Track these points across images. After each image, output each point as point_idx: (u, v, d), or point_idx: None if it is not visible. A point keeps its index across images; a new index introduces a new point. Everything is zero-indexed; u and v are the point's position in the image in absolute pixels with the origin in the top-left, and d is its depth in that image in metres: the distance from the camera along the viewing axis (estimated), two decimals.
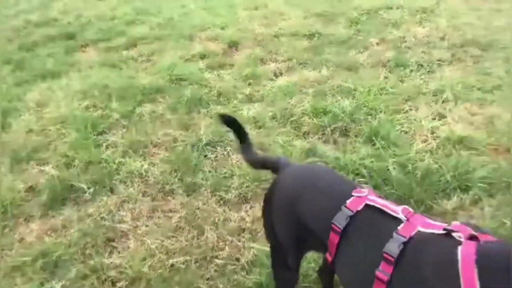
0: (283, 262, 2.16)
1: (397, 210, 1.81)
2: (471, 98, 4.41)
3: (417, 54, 5.61)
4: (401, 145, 3.71)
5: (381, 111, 4.28)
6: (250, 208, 3.30)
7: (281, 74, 5.61)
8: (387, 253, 1.68)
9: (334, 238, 1.87)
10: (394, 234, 1.69)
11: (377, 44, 6.11)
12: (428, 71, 5.16)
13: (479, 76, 4.80)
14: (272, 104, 4.74)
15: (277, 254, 2.20)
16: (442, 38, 5.90)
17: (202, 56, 6.27)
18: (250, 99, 4.95)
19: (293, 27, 7.05)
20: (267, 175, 3.53)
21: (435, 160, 3.48)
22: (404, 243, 1.67)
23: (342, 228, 1.83)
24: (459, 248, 1.58)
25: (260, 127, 4.33)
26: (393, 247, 1.67)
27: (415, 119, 4.14)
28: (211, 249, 2.97)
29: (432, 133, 3.89)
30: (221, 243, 3.00)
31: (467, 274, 1.52)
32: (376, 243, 1.73)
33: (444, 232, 1.67)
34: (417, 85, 4.82)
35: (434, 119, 4.13)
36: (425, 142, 3.79)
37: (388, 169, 3.41)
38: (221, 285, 2.68)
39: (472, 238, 1.62)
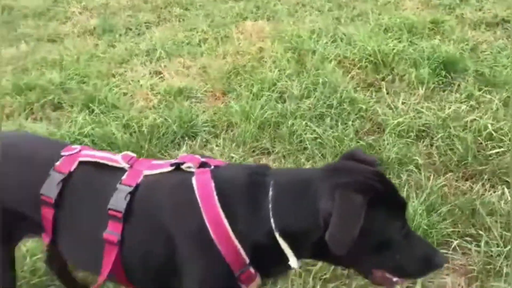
0: None
1: (117, 160, 1.55)
2: (182, 53, 4.44)
3: (124, 18, 5.39)
4: (122, 107, 3.46)
5: (95, 77, 3.92)
6: None
7: None
8: (112, 209, 1.43)
9: (47, 213, 1.50)
10: (118, 186, 1.45)
11: (80, 13, 5.64)
12: (138, 34, 5.01)
13: (186, 33, 4.89)
14: None
15: None
16: (146, 1, 5.82)
17: None
18: None
19: None
20: None
21: (159, 114, 3.35)
22: (131, 193, 1.44)
23: (54, 198, 1.49)
24: (193, 179, 1.43)
25: None
26: (118, 200, 1.43)
27: (132, 80, 3.94)
28: None
29: (152, 89, 3.76)
30: None
31: (207, 204, 1.37)
32: (100, 201, 1.45)
33: (172, 168, 1.50)
34: (129, 48, 4.61)
35: (152, 77, 4.01)
36: (146, 99, 3.63)
37: (113, 133, 3.12)
38: None
39: (202, 165, 1.50)
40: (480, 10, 5.02)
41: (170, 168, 1.48)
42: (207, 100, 3.64)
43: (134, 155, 1.57)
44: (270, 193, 1.35)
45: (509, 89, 3.37)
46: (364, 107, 3.26)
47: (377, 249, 1.34)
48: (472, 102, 3.30)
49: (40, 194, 1.48)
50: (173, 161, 1.51)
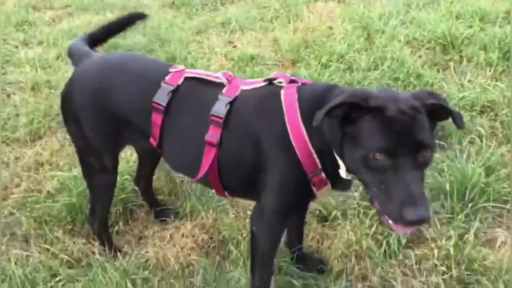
0: (99, 165, 1.94)
1: (218, 76, 1.76)
2: (255, 27, 4.67)
3: None
4: (199, 68, 3.73)
5: (175, 42, 4.22)
6: (46, 143, 2.92)
7: (60, 20, 5.10)
8: (214, 115, 1.65)
9: (157, 119, 1.74)
10: (220, 96, 1.67)
11: None
12: (214, 9, 5.30)
13: (259, 10, 5.11)
14: (54, 46, 4.28)
15: (88, 158, 1.96)
16: None
17: None
18: (25, 44, 4.40)
19: None
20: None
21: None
22: (230, 103, 1.65)
23: (165, 105, 1.72)
24: (281, 91, 1.63)
25: (44, 68, 3.85)
26: (219, 108, 1.65)
27: (208, 48, 4.21)
28: (4, 189, 2.53)
29: (226, 56, 4.00)
30: (16, 180, 2.59)
31: (290, 112, 1.57)
32: (203, 110, 1.68)
33: (265, 83, 1.70)
34: (205, 21, 4.90)
35: (226, 45, 4.26)
36: (220, 64, 3.88)
37: None
38: (23, 217, 2.31)
39: (292, 82, 1.69)
40: None
41: (264, 84, 1.69)
42: (277, 68, 3.85)
43: (231, 73, 1.77)
44: None
45: None
46: (430, 81, 3.35)
47: (365, 163, 1.37)
48: None
49: (152, 101, 1.72)
50: (267, 78, 1.72)
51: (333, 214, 2.28)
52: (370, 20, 4.38)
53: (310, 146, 1.54)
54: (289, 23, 4.70)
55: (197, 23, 4.83)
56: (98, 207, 2.09)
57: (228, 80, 1.72)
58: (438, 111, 1.42)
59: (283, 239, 2.09)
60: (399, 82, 3.37)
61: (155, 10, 5.31)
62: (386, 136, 1.34)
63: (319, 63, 3.68)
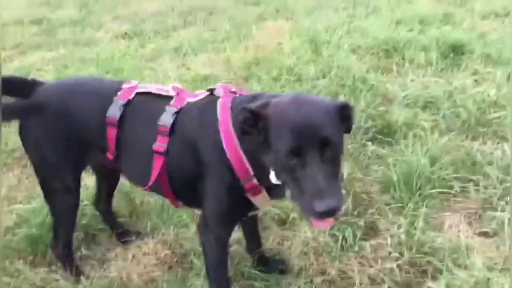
0: (62, 187, 1.98)
1: (168, 89, 1.84)
2: (207, 49, 4.80)
3: (152, 24, 5.82)
4: None
5: (129, 71, 4.28)
6: (3, 179, 2.91)
7: (11, 60, 5.11)
8: (161, 125, 1.73)
9: (111, 132, 1.82)
10: (167, 107, 1.74)
11: (112, 20, 6.11)
12: (166, 36, 5.42)
13: (210, 33, 5.27)
14: None
15: (51, 182, 2.00)
16: (172, 9, 6.25)
17: None
18: None
19: (17, 15, 6.47)
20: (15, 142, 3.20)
21: None
22: (176, 113, 1.73)
23: (117, 119, 1.79)
24: (218, 101, 1.71)
25: None
26: (166, 118, 1.73)
27: (161, 73, 4.29)
28: None
29: (179, 78, 4.09)
30: None
31: (223, 121, 1.65)
32: (152, 121, 1.75)
33: (208, 93, 1.78)
34: (158, 48, 5.00)
35: (178, 69, 4.36)
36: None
37: None
38: None
39: (232, 93, 1.76)
40: (490, 3, 5.25)
41: (206, 94, 1.78)
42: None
43: (180, 87, 1.85)
44: None
45: None
46: (375, 84, 3.52)
47: (278, 166, 1.47)
48: (477, 77, 3.52)
49: (106, 116, 1.79)
50: (209, 87, 1.80)
51: (291, 216, 2.36)
52: (316, 33, 4.56)
53: (242, 153, 1.61)
54: (240, 42, 4.84)
55: (150, 51, 4.93)
56: (62, 230, 2.11)
57: (176, 92, 1.80)
58: (346, 115, 1.50)
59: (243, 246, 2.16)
60: (346, 88, 3.52)
61: (107, 42, 5.40)
62: (290, 138, 1.40)
63: (270, 76, 3.81)
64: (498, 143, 2.76)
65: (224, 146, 1.62)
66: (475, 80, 3.52)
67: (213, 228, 1.76)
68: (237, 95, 1.75)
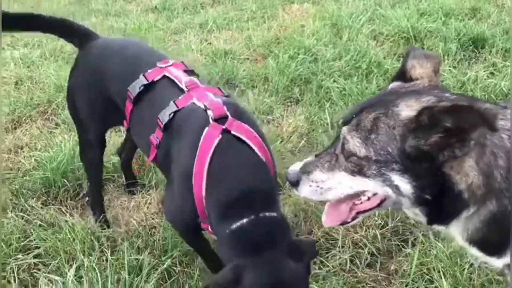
0: (88, 141, 2.15)
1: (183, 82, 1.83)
2: (231, 27, 4.91)
3: (182, 0, 5.96)
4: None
5: (154, 41, 4.44)
6: (26, 130, 3.12)
7: None
8: (159, 119, 1.78)
9: (128, 105, 1.91)
10: (171, 103, 1.79)
11: None
12: (194, 12, 5.55)
13: (237, 12, 5.36)
14: (39, 47, 4.53)
15: (82, 134, 2.18)
16: None
17: None
18: (12, 46, 4.64)
19: None
20: (40, 98, 3.40)
21: (207, 68, 3.80)
22: (175, 112, 1.77)
23: (134, 96, 1.87)
24: (206, 128, 1.68)
25: (28, 66, 4.08)
26: (165, 114, 1.77)
27: (184, 45, 4.43)
28: None
29: (201, 51, 4.23)
30: None
31: (200, 157, 1.65)
32: (158, 110, 1.81)
33: (203, 108, 1.74)
34: (184, 22, 5.14)
35: (201, 43, 4.49)
36: (196, 60, 4.09)
37: None
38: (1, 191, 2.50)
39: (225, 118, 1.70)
40: None
41: (203, 107, 1.74)
42: (249, 62, 4.07)
43: (198, 82, 1.84)
44: None
45: None
46: (389, 69, 3.57)
47: None
48: (493, 70, 3.53)
49: (127, 89, 1.88)
50: (213, 98, 1.76)
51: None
52: (340, 17, 4.62)
53: (204, 194, 1.63)
54: (264, 22, 4.94)
55: (176, 25, 5.07)
56: (91, 180, 2.31)
57: (188, 88, 1.80)
58: None
59: None
60: (360, 71, 3.59)
61: (137, 15, 5.56)
62: None
63: (287, 55, 3.90)
64: None
65: (193, 179, 1.65)
66: (491, 73, 3.54)
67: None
68: (225, 127, 1.67)
